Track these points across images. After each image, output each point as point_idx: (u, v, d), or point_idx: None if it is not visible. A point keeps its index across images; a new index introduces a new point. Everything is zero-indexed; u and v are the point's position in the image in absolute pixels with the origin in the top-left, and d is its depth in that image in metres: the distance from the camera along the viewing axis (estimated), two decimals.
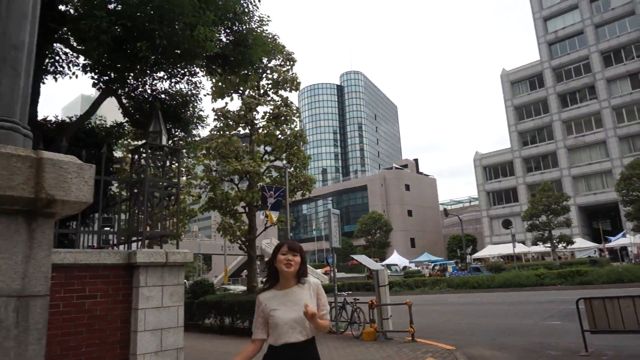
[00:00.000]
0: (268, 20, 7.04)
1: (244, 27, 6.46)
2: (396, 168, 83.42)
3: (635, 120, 50.97)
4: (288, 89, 14.94)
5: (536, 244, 37.77)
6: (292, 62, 14.66)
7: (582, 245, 41.08)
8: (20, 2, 1.47)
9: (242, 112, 14.31)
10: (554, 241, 34.74)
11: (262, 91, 14.95)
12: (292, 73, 14.75)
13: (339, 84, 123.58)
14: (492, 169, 63.30)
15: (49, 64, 7.55)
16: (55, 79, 7.84)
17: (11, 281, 1.25)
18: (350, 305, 10.68)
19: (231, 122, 14.46)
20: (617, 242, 39.39)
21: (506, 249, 43.68)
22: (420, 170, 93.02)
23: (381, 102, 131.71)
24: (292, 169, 14.03)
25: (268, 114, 14.68)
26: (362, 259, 11.32)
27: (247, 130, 15.10)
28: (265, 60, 10.96)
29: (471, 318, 12.77)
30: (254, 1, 6.64)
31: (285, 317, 2.40)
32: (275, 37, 10.03)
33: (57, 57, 7.63)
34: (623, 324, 6.68)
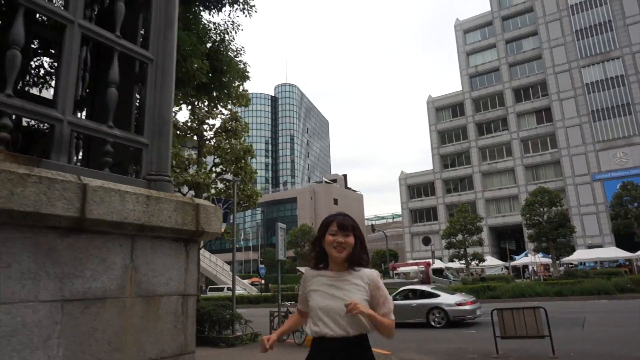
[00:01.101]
0: (242, 52, 7.71)
1: (221, 56, 7.07)
2: (326, 182, 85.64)
3: (538, 152, 56.99)
4: (237, 104, 15.45)
5: (452, 261, 40.79)
6: (245, 79, 15.20)
7: (492, 263, 45.00)
8: (168, 89, 2.11)
9: (192, 124, 14.60)
10: (468, 258, 37.88)
11: (212, 104, 15.34)
12: (244, 89, 15.31)
13: (273, 94, 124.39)
14: (415, 188, 67.14)
15: None
16: None
17: (179, 285, 1.88)
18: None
19: (180, 133, 14.68)
20: (520, 260, 43.71)
21: None
22: (349, 185, 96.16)
23: (314, 116, 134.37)
24: (240, 182, 14.54)
25: (217, 128, 15.08)
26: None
27: (194, 138, 15.34)
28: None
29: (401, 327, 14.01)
30: (231, 33, 7.29)
31: (322, 302, 2.01)
32: (247, 64, 10.65)
33: None
34: (526, 331, 8.08)
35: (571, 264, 39.19)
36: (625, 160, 49.61)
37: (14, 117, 1.83)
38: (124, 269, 1.68)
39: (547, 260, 37.61)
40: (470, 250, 38.94)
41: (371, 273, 2.10)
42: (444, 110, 66.73)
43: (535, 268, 39.47)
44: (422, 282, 29.84)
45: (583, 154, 52.21)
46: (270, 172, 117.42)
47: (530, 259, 40.39)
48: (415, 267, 37.82)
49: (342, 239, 2.04)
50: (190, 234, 1.94)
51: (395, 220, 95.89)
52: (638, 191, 31.40)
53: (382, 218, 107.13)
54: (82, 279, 1.55)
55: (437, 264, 40.27)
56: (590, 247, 45.99)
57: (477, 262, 38.69)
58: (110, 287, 1.63)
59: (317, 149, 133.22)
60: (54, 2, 2.26)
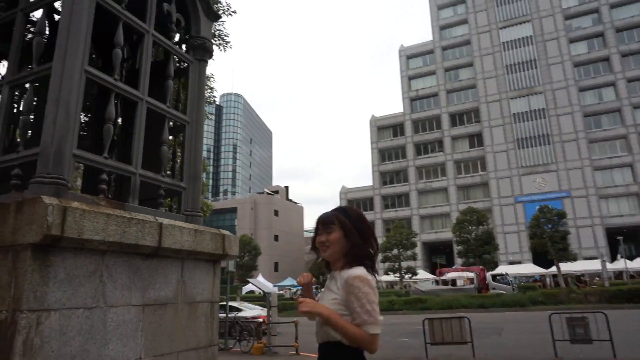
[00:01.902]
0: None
1: None
2: (267, 193, 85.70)
3: (470, 173, 60.98)
4: None
5: (387, 274, 42.58)
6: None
7: (424, 276, 47.37)
8: (199, 144, 2.77)
9: None
10: (402, 272, 39.79)
11: None
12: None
13: (218, 103, 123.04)
14: (355, 202, 69.02)
15: None
16: None
17: (209, 294, 2.54)
18: (238, 325, 11.88)
19: None
20: (449, 275, 46.47)
21: None
22: (290, 197, 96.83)
23: (258, 126, 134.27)
24: None
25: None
26: (257, 282, 12.66)
27: None
28: None
29: None
30: None
31: None
32: (212, 75, 11.20)
33: None
34: (452, 337, 9.22)
35: (496, 277, 42.34)
36: (544, 185, 54.40)
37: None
38: (177, 283, 2.33)
39: (473, 275, 40.38)
40: (404, 264, 40.94)
41: (348, 275, 1.78)
42: (385, 130, 69.54)
43: (462, 282, 42.13)
44: (478, 290, 29.16)
45: (508, 178, 56.59)
46: (211, 180, 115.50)
47: (459, 273, 43.09)
48: (465, 274, 36.72)
49: (324, 237, 1.86)
50: (218, 257, 2.61)
51: None
52: (552, 214, 34.80)
53: None
54: (154, 290, 2.18)
55: (497, 269, 39.93)
56: (511, 263, 49.83)
57: (410, 275, 40.70)
58: (169, 296, 2.27)
59: (259, 159, 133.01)
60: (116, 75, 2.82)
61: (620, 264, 36.40)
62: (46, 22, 2.28)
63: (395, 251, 40.31)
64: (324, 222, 1.90)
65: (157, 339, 2.17)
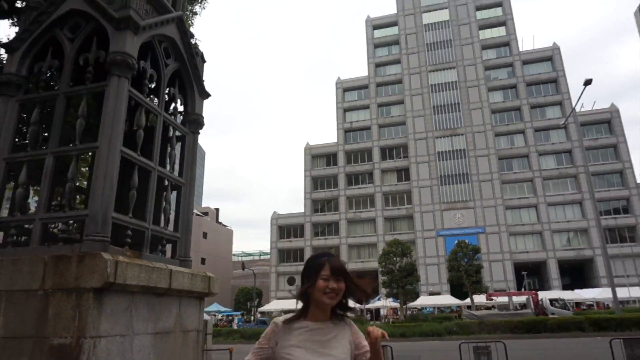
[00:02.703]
0: None
1: None
2: (197, 214, 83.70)
3: (397, 206, 64.09)
4: None
5: None
6: None
7: (350, 304, 48.61)
8: (191, 201, 3.43)
9: None
10: None
11: None
12: None
13: None
14: (285, 228, 69.52)
15: None
16: None
17: (197, 324, 3.16)
18: None
19: None
20: (374, 304, 48.15)
21: (290, 304, 48.26)
22: (220, 219, 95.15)
23: None
24: None
25: None
26: None
27: None
28: None
29: None
30: None
31: (309, 358, 1.76)
32: None
33: None
34: None
35: (415, 308, 44.57)
36: (462, 220, 58.56)
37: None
38: (176, 316, 2.97)
39: (396, 305, 42.27)
40: None
41: (351, 323, 1.96)
42: (319, 158, 71.33)
43: (386, 312, 43.91)
44: (536, 314, 29.12)
45: (431, 212, 60.24)
46: None
47: (383, 302, 44.87)
48: (521, 297, 37.05)
49: (335, 285, 1.81)
50: (204, 294, 3.27)
51: (262, 257, 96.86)
52: (468, 249, 37.72)
53: (249, 254, 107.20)
54: (162, 321, 2.81)
55: (550, 294, 40.53)
56: (431, 293, 52.70)
57: None
58: (171, 326, 2.90)
59: None
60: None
61: (523, 297, 39.93)
62: (86, 107, 2.89)
63: None
64: (336, 270, 1.85)
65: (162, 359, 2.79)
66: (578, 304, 45.09)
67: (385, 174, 66.54)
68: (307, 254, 65.16)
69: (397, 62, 70.73)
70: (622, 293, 38.44)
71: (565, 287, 52.87)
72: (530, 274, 51.54)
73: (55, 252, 2.47)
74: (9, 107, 3.00)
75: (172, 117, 3.46)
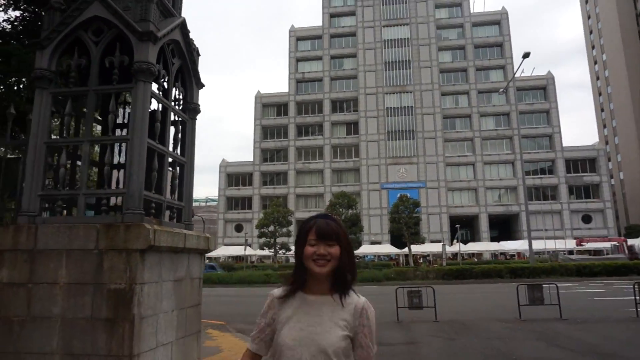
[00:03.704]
0: None
1: None
2: None
3: (344, 158, 65.91)
4: None
5: (262, 249, 44.89)
6: None
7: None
8: (192, 175, 4.23)
9: None
10: (277, 247, 42.46)
11: None
12: None
13: None
14: (234, 176, 69.72)
15: None
16: None
17: (199, 273, 4.06)
18: None
19: None
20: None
21: (237, 250, 49.73)
22: None
23: None
24: None
25: None
26: None
27: None
28: None
29: (226, 306, 16.52)
30: None
31: (291, 336, 1.57)
32: None
33: None
34: None
35: (358, 256, 47.50)
36: (406, 175, 61.56)
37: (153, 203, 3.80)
38: (187, 267, 3.87)
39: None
40: (279, 240, 43.66)
41: (361, 304, 1.65)
42: (269, 108, 70.92)
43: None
44: (629, 259, 29.88)
45: (377, 166, 62.67)
46: None
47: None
48: (609, 244, 38.97)
49: (324, 251, 1.60)
50: (205, 251, 4.18)
51: (208, 204, 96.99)
52: (409, 203, 40.31)
53: (196, 200, 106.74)
54: (178, 272, 3.71)
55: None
56: (373, 243, 56.03)
57: (284, 251, 43.59)
58: (183, 275, 3.80)
59: None
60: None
61: (456, 247, 43.72)
62: (116, 103, 3.56)
63: (271, 228, 42.69)
64: (324, 234, 1.61)
65: (179, 300, 3.71)
66: (502, 254, 49.90)
67: (335, 126, 67.61)
68: (255, 202, 66.28)
69: (352, 13, 70.14)
70: (539, 245, 43.04)
71: (492, 239, 58.02)
72: (463, 227, 55.94)
73: (102, 221, 3.27)
74: (44, 99, 3.61)
75: (176, 106, 4.18)
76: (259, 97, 70.49)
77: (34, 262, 3.22)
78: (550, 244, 44.74)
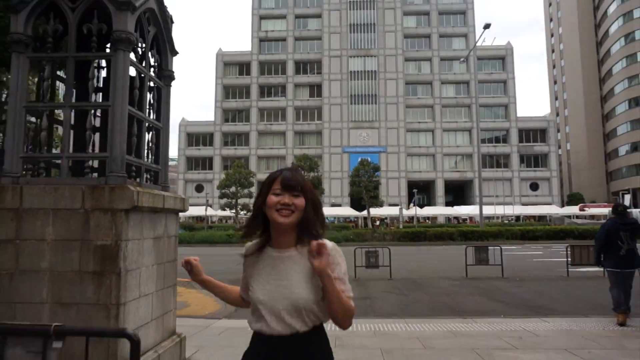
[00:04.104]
0: None
1: None
2: None
3: (307, 121, 65.85)
4: None
5: (224, 209, 44.98)
6: None
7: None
8: (167, 141, 4.44)
9: None
10: (238, 208, 42.68)
11: None
12: None
13: None
14: (194, 136, 68.39)
15: None
16: None
17: (175, 232, 4.35)
18: None
19: None
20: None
21: (198, 211, 49.54)
22: None
23: None
24: None
25: None
26: None
27: None
28: None
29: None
30: None
31: (261, 293, 1.59)
32: None
33: None
34: None
35: None
36: (367, 139, 62.45)
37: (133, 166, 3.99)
38: (165, 226, 4.15)
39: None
40: (240, 201, 43.83)
41: (329, 245, 1.60)
42: (231, 66, 69.16)
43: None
44: None
45: (339, 129, 63.14)
46: None
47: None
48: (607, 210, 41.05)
49: (289, 200, 1.57)
50: (180, 211, 4.46)
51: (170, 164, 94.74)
52: (370, 167, 41.24)
53: None
54: (157, 230, 3.99)
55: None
56: (333, 205, 57.17)
57: (245, 212, 43.86)
58: (161, 233, 4.09)
59: None
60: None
61: (413, 211, 45.45)
62: (96, 71, 3.69)
63: (233, 189, 42.71)
64: (289, 184, 1.59)
65: (158, 255, 4.02)
66: (455, 218, 52.33)
67: (298, 88, 67.08)
68: (216, 163, 65.64)
69: None
70: (490, 210, 45.47)
71: (447, 204, 60.58)
72: (420, 191, 57.91)
73: (86, 183, 3.49)
74: (21, 62, 3.68)
75: (152, 73, 4.34)
76: (220, 55, 68.49)
77: (21, 220, 3.43)
78: (500, 210, 47.32)
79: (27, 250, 3.41)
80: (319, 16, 67.27)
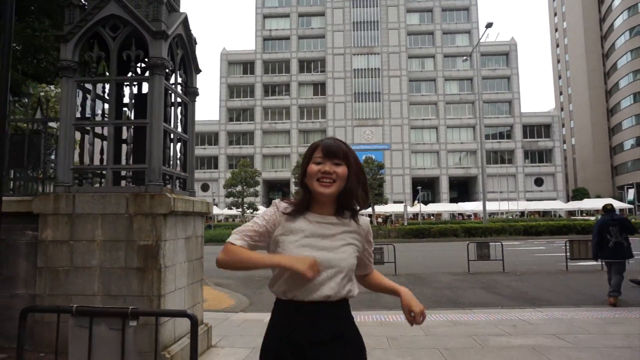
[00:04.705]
0: None
1: None
2: None
3: (311, 119, 66.34)
4: None
5: (230, 208, 45.61)
6: None
7: (263, 211, 51.82)
8: (193, 150, 4.97)
9: None
10: (245, 207, 43.30)
11: None
12: None
13: None
14: (200, 135, 68.90)
15: None
16: None
17: (201, 232, 4.88)
18: None
19: None
20: None
21: None
22: None
23: None
24: None
25: None
26: None
27: None
28: None
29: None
30: None
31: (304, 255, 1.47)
32: None
33: None
34: None
35: None
36: (371, 136, 62.87)
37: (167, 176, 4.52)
38: (193, 227, 4.69)
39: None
40: (247, 200, 44.46)
41: (366, 222, 1.66)
42: (235, 66, 69.74)
43: None
44: None
45: (343, 127, 63.58)
46: None
47: None
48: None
49: (330, 169, 1.52)
50: (206, 214, 5.00)
51: None
52: (374, 164, 41.69)
53: None
54: (187, 231, 4.53)
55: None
56: None
57: (251, 211, 44.49)
58: (191, 234, 4.63)
59: None
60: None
61: (417, 208, 45.87)
62: (134, 92, 4.22)
63: (239, 188, 43.32)
64: (331, 151, 1.55)
65: (188, 254, 4.56)
66: (460, 214, 52.67)
67: (302, 87, 67.55)
68: (222, 162, 66.29)
69: None
70: (494, 206, 45.82)
71: (452, 200, 60.94)
72: (424, 188, 58.29)
73: (129, 191, 4.02)
74: (70, 86, 4.22)
75: (179, 90, 4.87)
76: (224, 55, 69.06)
77: (74, 224, 3.97)
78: (504, 206, 47.64)
79: (80, 250, 3.96)
80: (322, 14, 67.63)
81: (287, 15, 69.07)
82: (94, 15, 4.26)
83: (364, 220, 1.67)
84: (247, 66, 69.14)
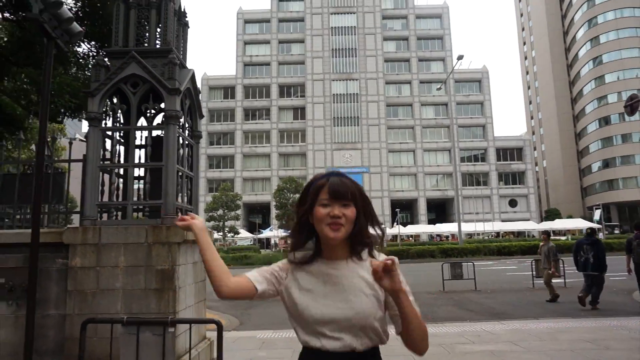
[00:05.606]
0: None
1: None
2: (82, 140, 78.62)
3: (291, 143, 67.36)
4: None
5: (211, 232, 45.69)
6: None
7: (244, 235, 52.12)
8: (198, 186, 5.72)
9: None
10: (226, 230, 43.58)
11: None
12: None
13: None
14: None
15: None
16: None
17: (195, 257, 5.64)
18: None
19: None
20: (265, 234, 52.21)
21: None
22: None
23: None
24: None
25: None
26: None
27: None
28: None
29: None
30: None
31: (318, 311, 1.42)
32: None
33: None
34: None
35: None
36: (350, 160, 64.14)
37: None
38: (198, 254, 5.42)
39: (287, 234, 46.68)
40: (228, 224, 44.77)
41: (382, 257, 1.44)
42: (216, 90, 70.63)
43: (277, 241, 48.24)
44: None
45: (323, 151, 64.75)
46: None
47: (274, 233, 49.09)
48: None
49: (339, 212, 1.41)
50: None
51: None
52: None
53: None
54: (195, 256, 5.24)
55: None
56: None
57: (232, 234, 44.79)
58: (197, 258, 5.34)
59: None
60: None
61: (396, 229, 46.89)
62: (150, 138, 5.00)
63: (220, 211, 43.66)
64: (338, 192, 1.42)
65: (195, 276, 5.27)
66: (438, 235, 53.90)
67: (282, 111, 68.73)
68: (202, 186, 66.32)
69: None
70: (470, 227, 47.21)
71: (430, 222, 62.26)
72: (402, 210, 59.57)
73: (148, 223, 4.74)
74: (96, 134, 4.96)
75: (186, 134, 5.65)
76: (205, 80, 69.96)
77: (100, 252, 4.65)
78: (480, 227, 49.12)
79: (105, 274, 4.64)
80: (302, 41, 69.50)
81: (267, 42, 70.72)
82: (117, 74, 5.05)
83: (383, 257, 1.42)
84: (228, 91, 70.13)
